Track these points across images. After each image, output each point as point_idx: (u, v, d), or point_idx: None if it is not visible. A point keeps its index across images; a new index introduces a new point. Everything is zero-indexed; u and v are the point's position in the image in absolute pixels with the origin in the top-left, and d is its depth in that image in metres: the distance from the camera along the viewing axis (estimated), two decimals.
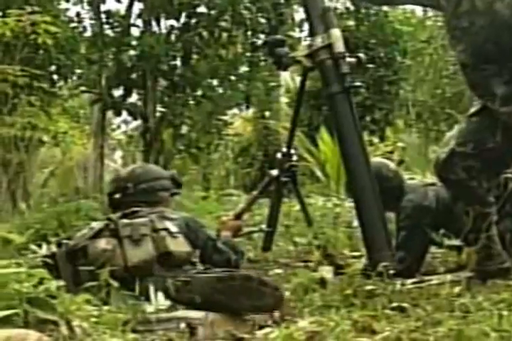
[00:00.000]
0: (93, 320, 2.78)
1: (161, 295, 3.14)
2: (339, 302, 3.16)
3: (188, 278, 3.25)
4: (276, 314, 2.95)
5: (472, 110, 3.76)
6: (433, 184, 4.28)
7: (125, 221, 3.55)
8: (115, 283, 3.13)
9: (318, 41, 4.01)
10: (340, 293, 3.30)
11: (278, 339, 2.35)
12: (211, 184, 12.84)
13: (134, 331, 2.73)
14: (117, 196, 3.85)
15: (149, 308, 3.00)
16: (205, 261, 3.65)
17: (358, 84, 4.01)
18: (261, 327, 2.73)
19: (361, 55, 4.17)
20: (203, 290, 3.12)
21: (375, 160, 4.68)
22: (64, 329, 2.54)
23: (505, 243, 3.86)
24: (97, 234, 3.54)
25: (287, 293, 3.38)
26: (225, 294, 3.06)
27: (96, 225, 3.61)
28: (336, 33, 4.00)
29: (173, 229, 3.57)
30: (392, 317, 2.76)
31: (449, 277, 3.53)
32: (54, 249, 3.63)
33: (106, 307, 2.94)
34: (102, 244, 3.49)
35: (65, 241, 3.65)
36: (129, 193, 3.82)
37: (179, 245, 3.52)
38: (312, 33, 4.11)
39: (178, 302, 3.12)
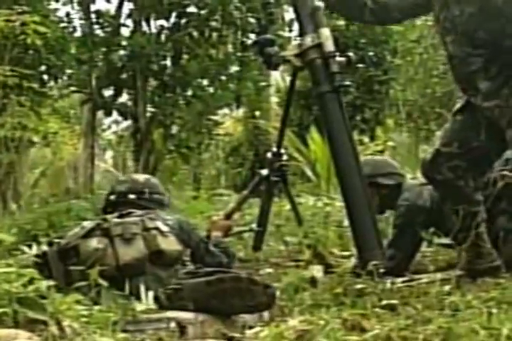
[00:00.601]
0: (83, 319, 2.78)
1: (151, 294, 3.14)
2: (329, 301, 3.16)
3: (178, 283, 3.25)
4: (266, 314, 2.95)
5: (456, 107, 3.78)
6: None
7: (116, 220, 3.57)
8: (105, 283, 3.13)
9: (308, 40, 4.01)
10: (330, 291, 3.31)
11: (268, 338, 2.35)
12: (202, 184, 12.84)
13: (124, 331, 2.73)
14: (132, 197, 3.92)
15: (139, 307, 3.00)
16: (197, 261, 3.66)
17: (347, 83, 4.02)
18: (251, 327, 2.73)
19: (351, 54, 4.18)
20: (194, 295, 3.12)
21: (378, 158, 4.70)
22: (54, 329, 2.54)
23: (497, 241, 3.87)
24: (89, 233, 3.54)
25: (278, 293, 3.38)
26: (217, 297, 3.06)
27: (87, 224, 3.61)
28: (326, 32, 4.00)
29: (164, 228, 3.58)
30: (381, 315, 2.76)
31: (438, 275, 3.54)
32: (45, 248, 3.63)
33: (96, 307, 2.94)
34: (94, 243, 3.49)
35: (56, 240, 3.65)
36: (143, 198, 3.91)
37: (170, 244, 3.53)
38: (302, 33, 4.11)
39: (171, 310, 3.11)
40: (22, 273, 2.83)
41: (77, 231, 3.59)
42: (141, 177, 4.17)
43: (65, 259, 3.53)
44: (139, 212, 3.71)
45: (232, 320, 2.88)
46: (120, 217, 3.68)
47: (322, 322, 2.56)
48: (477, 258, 3.71)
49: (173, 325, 2.79)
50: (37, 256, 3.58)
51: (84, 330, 2.63)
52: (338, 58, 4.01)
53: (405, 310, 2.89)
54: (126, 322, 2.84)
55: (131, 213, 3.70)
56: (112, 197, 3.99)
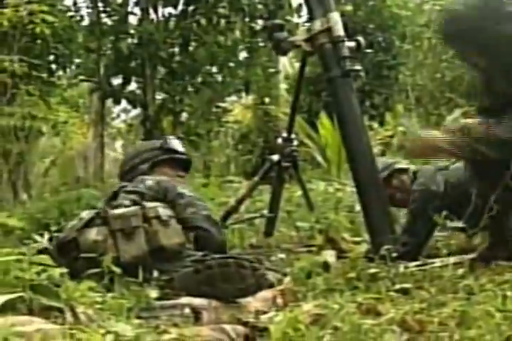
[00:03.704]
0: (97, 306, 2.78)
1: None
2: (343, 286, 3.16)
3: (171, 273, 3.25)
4: (280, 300, 2.95)
5: None
6: (444, 168, 4.25)
7: (115, 212, 3.52)
8: (118, 270, 3.13)
9: (317, 25, 4.00)
10: (343, 276, 3.30)
11: (283, 322, 2.35)
12: (211, 171, 12.83)
13: (138, 317, 2.73)
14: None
15: (153, 294, 3.00)
16: (183, 222, 3.62)
17: (358, 67, 3.99)
18: (265, 312, 2.73)
19: (361, 38, 4.15)
20: (185, 284, 3.11)
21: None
22: (69, 316, 2.54)
23: None
24: (88, 224, 3.51)
25: (290, 278, 3.38)
26: (207, 284, 3.04)
27: (86, 215, 3.57)
28: (335, 16, 3.99)
29: (164, 213, 3.54)
30: (396, 299, 2.76)
31: (451, 259, 3.53)
32: (46, 243, 3.59)
33: (110, 294, 2.94)
34: (93, 234, 3.46)
35: (55, 234, 3.62)
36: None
37: (171, 236, 3.49)
38: (311, 17, 4.09)
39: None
40: (34, 260, 2.84)
41: (75, 224, 3.55)
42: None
43: (65, 253, 3.49)
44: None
45: (245, 306, 2.87)
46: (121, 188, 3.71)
47: (337, 307, 2.56)
48: (498, 245, 3.67)
49: (187, 310, 2.79)
50: (39, 252, 3.56)
51: (98, 317, 2.63)
52: (347, 43, 4.00)
53: (419, 293, 2.89)
54: (140, 308, 2.84)
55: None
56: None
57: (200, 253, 3.48)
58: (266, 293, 3.00)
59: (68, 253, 3.48)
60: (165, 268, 3.35)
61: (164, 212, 3.56)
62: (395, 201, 4.28)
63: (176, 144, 4.19)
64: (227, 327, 2.45)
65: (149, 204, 3.57)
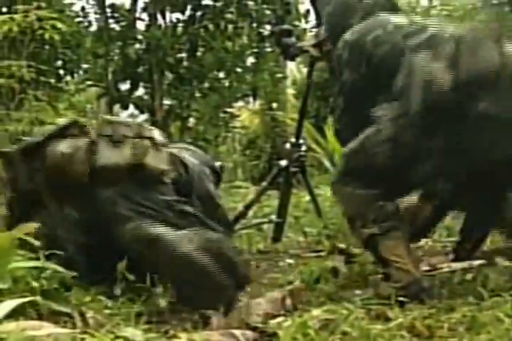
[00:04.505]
0: (107, 311, 2.79)
1: None
2: (352, 291, 3.16)
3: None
4: (289, 301, 2.94)
5: None
6: None
7: (108, 117, 3.32)
8: (132, 277, 3.09)
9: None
10: (352, 281, 3.31)
11: (292, 327, 2.35)
12: None
13: (148, 322, 2.73)
14: None
15: (162, 302, 3.00)
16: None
17: None
18: (274, 316, 2.73)
19: None
20: None
21: None
22: (78, 321, 2.55)
23: None
24: (62, 132, 3.18)
25: (298, 283, 3.38)
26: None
27: (63, 122, 3.28)
28: None
29: (159, 138, 3.29)
30: (405, 304, 2.76)
31: (460, 265, 3.53)
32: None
33: (120, 299, 2.95)
34: (62, 146, 3.13)
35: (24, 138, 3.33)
36: None
37: (158, 161, 3.21)
38: (319, 23, 4.10)
39: None
40: (46, 266, 2.85)
41: (48, 130, 3.25)
42: None
43: (28, 161, 3.16)
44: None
45: (255, 310, 2.87)
46: None
47: (346, 312, 2.56)
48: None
49: (196, 316, 2.79)
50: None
51: (108, 322, 2.64)
52: None
53: (428, 298, 2.88)
54: (149, 313, 2.85)
55: None
56: None
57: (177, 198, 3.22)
58: (275, 294, 2.99)
59: (31, 162, 3.18)
60: (132, 194, 3.10)
61: (159, 137, 3.31)
62: None
63: None
64: (237, 332, 2.45)
65: (146, 125, 3.36)
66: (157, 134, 3.31)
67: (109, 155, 3.13)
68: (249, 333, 2.47)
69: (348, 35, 3.38)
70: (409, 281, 2.95)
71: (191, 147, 3.78)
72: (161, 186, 3.21)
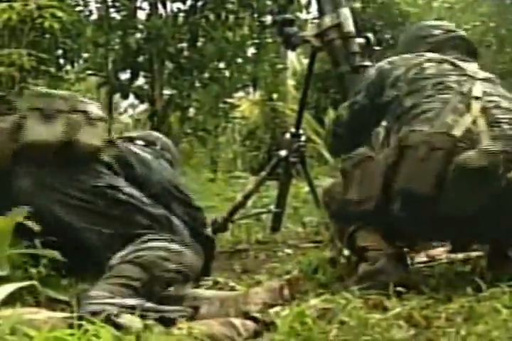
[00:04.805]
0: None
1: None
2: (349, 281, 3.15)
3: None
4: (286, 291, 2.94)
5: None
6: None
7: (41, 90, 3.12)
8: None
9: (327, 21, 4.01)
10: (350, 271, 3.31)
11: (290, 316, 2.35)
12: (218, 166, 12.83)
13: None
14: None
15: None
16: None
17: (367, 63, 4.00)
18: (272, 306, 2.73)
19: (370, 35, 4.16)
20: None
21: None
22: (76, 309, 2.54)
23: None
24: None
25: (297, 272, 3.38)
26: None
27: None
28: (345, 12, 4.00)
29: (95, 112, 3.05)
30: (403, 294, 2.76)
31: (458, 256, 3.53)
32: None
33: None
34: None
35: None
36: None
37: (91, 136, 2.97)
38: (321, 13, 4.10)
39: None
40: (44, 253, 2.85)
41: None
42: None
43: None
44: None
45: (252, 298, 2.87)
46: None
47: (343, 301, 2.56)
48: None
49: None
50: None
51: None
52: (357, 39, 4.00)
53: (426, 289, 2.88)
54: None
55: None
56: None
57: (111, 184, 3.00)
58: (273, 283, 2.98)
59: None
60: (66, 184, 2.89)
61: (96, 111, 3.07)
62: None
63: None
64: (237, 322, 2.44)
65: (82, 98, 3.12)
66: (94, 108, 3.09)
67: (38, 132, 2.89)
68: (249, 323, 2.47)
69: (382, 63, 3.41)
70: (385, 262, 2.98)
71: (154, 133, 3.71)
72: (94, 165, 3.00)
